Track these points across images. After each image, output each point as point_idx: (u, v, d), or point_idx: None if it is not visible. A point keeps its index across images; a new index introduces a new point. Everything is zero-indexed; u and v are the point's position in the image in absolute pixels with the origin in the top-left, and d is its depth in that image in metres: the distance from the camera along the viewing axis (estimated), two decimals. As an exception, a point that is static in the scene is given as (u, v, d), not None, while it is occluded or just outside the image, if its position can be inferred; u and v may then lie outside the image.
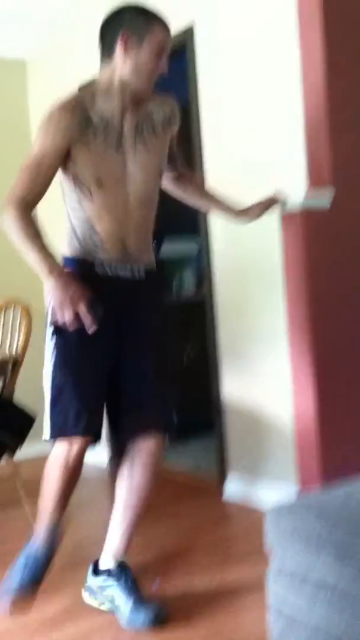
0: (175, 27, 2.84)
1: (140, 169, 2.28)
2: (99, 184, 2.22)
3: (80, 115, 2.20)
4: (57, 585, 2.47)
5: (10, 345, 3.36)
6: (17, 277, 4.53)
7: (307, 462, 2.75)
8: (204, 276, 3.55)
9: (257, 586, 2.28)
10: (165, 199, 4.92)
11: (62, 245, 2.33)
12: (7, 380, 3.25)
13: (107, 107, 2.24)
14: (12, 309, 3.43)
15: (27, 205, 2.15)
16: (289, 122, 2.94)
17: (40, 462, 2.28)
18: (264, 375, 3.20)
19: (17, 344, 3.31)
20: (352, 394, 2.82)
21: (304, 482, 2.77)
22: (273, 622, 1.71)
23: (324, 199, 2.75)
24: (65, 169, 2.24)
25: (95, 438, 2.27)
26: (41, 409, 2.28)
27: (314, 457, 2.72)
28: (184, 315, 4.48)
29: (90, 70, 2.38)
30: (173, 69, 3.83)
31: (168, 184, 2.60)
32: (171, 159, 2.50)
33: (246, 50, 3.17)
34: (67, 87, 2.75)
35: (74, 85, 4.24)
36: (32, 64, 4.78)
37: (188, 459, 3.94)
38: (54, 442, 2.23)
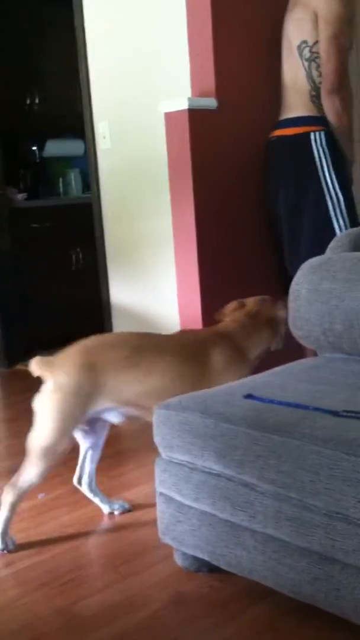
0: None
1: None
2: None
3: None
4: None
5: None
6: None
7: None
8: (90, 177, 3.48)
9: (146, 478, 2.41)
10: (49, 96, 4.71)
11: None
12: None
13: None
14: None
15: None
16: (175, 27, 2.86)
17: None
18: (151, 279, 3.24)
19: None
20: (234, 294, 2.92)
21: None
22: (163, 509, 1.83)
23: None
24: None
25: None
26: None
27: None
28: (71, 217, 4.40)
29: None
30: None
31: None
32: None
33: None
34: None
35: None
36: None
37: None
38: None
